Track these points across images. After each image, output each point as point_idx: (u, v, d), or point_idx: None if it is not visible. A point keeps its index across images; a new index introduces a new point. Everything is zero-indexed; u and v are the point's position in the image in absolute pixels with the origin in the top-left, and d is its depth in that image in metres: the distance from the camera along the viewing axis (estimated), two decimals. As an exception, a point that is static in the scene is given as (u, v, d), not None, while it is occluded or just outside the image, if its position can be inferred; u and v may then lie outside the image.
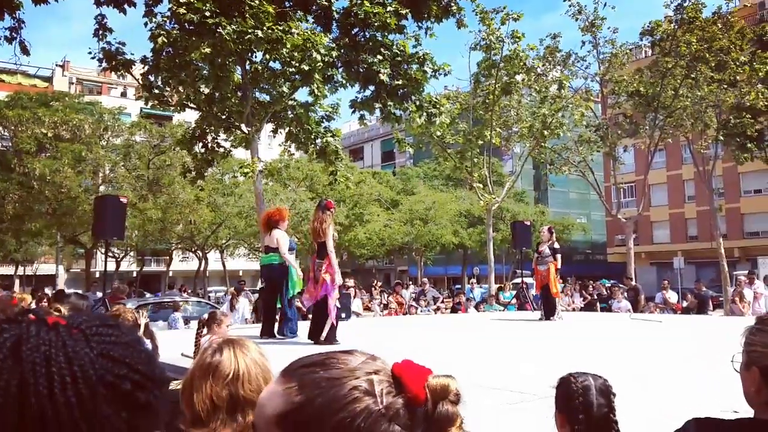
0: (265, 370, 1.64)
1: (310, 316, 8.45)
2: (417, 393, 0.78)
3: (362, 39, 13.69)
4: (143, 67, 13.27)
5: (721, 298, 23.32)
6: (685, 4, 21.87)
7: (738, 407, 3.44)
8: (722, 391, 4.44)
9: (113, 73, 13.89)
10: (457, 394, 0.82)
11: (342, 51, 13.30)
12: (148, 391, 0.72)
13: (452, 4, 14.34)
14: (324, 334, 7.39)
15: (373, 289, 20.33)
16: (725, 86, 22.05)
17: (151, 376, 0.74)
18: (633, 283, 17.56)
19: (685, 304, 17.23)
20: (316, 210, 7.84)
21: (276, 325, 8.33)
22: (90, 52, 12.97)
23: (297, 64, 12.19)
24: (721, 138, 24.59)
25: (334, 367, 0.80)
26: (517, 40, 19.37)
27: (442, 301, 19.38)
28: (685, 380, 5.15)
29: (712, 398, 4.22)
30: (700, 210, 42.87)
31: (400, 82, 13.72)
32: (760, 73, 22.27)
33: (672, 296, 16.60)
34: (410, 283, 22.51)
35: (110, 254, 35.25)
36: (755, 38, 24.81)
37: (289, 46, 11.84)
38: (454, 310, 17.41)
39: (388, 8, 12.99)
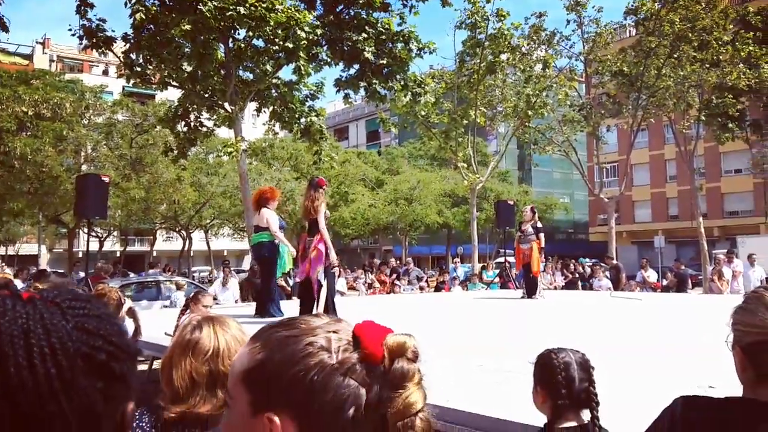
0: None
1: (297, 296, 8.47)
2: (373, 350, 0.81)
3: (347, 17, 13.61)
4: (125, 45, 13.08)
5: (700, 277, 23.69)
6: (669, -16, 21.89)
7: (714, 383, 3.54)
8: (698, 366, 4.55)
9: (94, 50, 13.69)
10: (415, 351, 0.83)
11: (326, 29, 13.21)
12: (122, 362, 0.74)
13: (437, -18, 14.28)
14: (320, 308, 7.43)
15: (365, 268, 20.35)
16: (708, 66, 22.18)
17: (124, 347, 0.75)
18: (614, 261, 17.76)
19: (665, 282, 17.49)
20: (308, 188, 7.82)
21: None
22: (70, 29, 12.77)
23: (281, 42, 12.09)
24: (703, 118, 24.79)
25: (296, 327, 0.84)
26: (502, 18, 19.31)
27: (426, 281, 19.50)
28: (661, 356, 5.26)
29: (689, 374, 4.32)
30: (681, 189, 43.30)
31: (384, 61, 13.67)
32: (743, 53, 22.42)
33: (651, 275, 16.82)
34: (390, 261, 22.53)
35: (93, 234, 34.95)
36: (738, 18, 24.92)
37: (272, 23, 11.73)
38: (437, 288, 17.55)
39: (373, -15, 12.90)
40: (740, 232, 36.21)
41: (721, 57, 22.40)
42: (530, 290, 11.53)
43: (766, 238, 30.73)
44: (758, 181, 36.26)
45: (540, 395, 2.13)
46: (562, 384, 2.07)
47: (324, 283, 7.63)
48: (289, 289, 13.79)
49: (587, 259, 19.38)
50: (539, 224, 11.75)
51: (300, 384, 0.78)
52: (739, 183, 42.30)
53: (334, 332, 0.83)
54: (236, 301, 13.97)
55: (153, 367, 6.61)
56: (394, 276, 18.29)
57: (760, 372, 1.34)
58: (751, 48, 22.79)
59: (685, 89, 22.55)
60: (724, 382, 3.25)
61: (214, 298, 6.34)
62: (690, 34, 21.38)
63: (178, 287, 14.57)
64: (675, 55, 21.63)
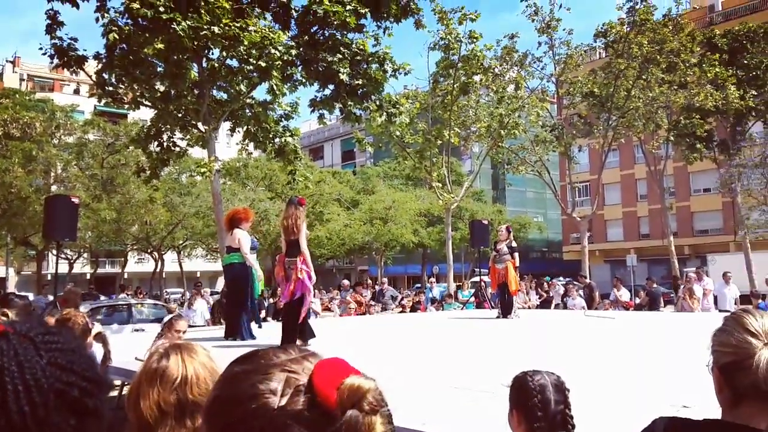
0: (214, 373, 1.61)
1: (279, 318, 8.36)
2: (325, 394, 0.71)
3: (321, 38, 13.64)
4: (97, 64, 12.95)
5: (672, 295, 23.97)
6: (637, 7, 22.40)
7: (688, 402, 3.55)
8: (672, 385, 4.57)
9: (66, 69, 13.53)
10: (374, 400, 0.72)
11: (301, 49, 13.23)
12: (94, 397, 0.73)
13: (411, 4, 14.40)
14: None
15: (341, 288, 20.19)
16: (676, 87, 22.69)
17: (97, 381, 0.74)
18: (587, 280, 17.91)
19: (637, 301, 17.64)
20: (288, 207, 7.67)
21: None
22: (41, 48, 12.61)
23: (254, 62, 12.06)
24: (672, 138, 25.32)
25: (253, 363, 0.77)
26: (474, 40, 19.56)
27: (401, 302, 19.44)
28: (634, 375, 5.28)
29: (662, 393, 4.33)
30: (652, 208, 43.99)
31: (359, 82, 13.71)
32: (709, 75, 22.99)
33: (624, 294, 16.96)
34: (366, 281, 22.42)
35: (62, 256, 34.34)
36: (705, 41, 25.60)
37: (246, 43, 11.71)
38: (413, 309, 17.49)
39: (348, 7, 12.96)
40: (710, 250, 36.83)
41: (688, 79, 22.94)
42: (506, 310, 11.54)
43: (736, 255, 31.29)
44: (726, 200, 36.99)
45: (515, 418, 2.12)
46: (538, 407, 2.06)
47: (306, 304, 7.55)
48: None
49: (561, 278, 19.50)
50: (514, 243, 11.80)
51: (240, 426, 0.72)
52: (708, 202, 43.11)
53: (292, 371, 0.74)
54: (206, 323, 13.76)
55: (123, 392, 6.46)
56: (370, 297, 18.21)
57: (736, 393, 1.34)
58: (717, 70, 23.40)
59: (653, 110, 23.02)
60: (698, 400, 3.28)
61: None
62: (658, 57, 21.88)
63: (169, 310, 14.29)
64: (644, 77, 22.09)
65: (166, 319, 6.09)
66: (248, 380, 0.74)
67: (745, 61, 26.17)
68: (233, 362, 0.80)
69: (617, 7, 23.00)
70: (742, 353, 1.33)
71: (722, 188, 30.41)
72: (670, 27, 22.47)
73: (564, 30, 23.41)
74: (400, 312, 17.45)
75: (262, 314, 13.56)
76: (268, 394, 0.72)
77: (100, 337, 5.38)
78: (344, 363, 0.76)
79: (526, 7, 22.74)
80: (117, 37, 11.43)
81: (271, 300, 15.13)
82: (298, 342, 7.30)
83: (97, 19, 11.87)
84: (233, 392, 0.74)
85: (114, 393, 6.72)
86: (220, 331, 9.27)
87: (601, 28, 23.75)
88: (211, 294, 25.50)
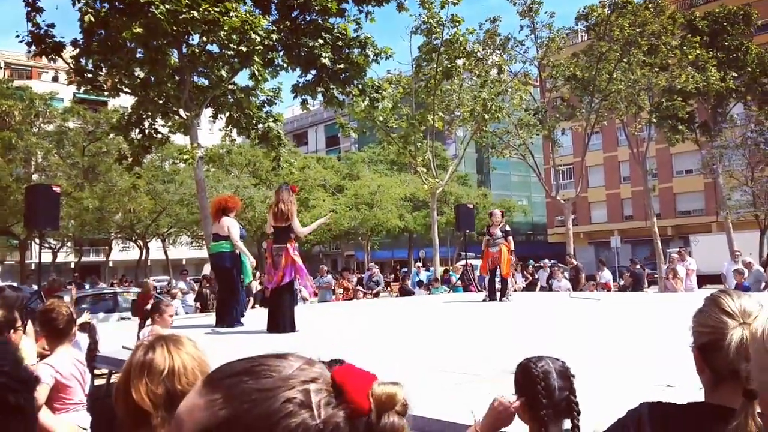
0: (202, 363, 1.61)
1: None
2: (360, 403, 0.68)
3: (302, 22, 13.53)
4: (74, 50, 12.75)
5: (656, 275, 24.27)
6: (618, -11, 22.41)
7: (672, 382, 3.60)
8: (656, 365, 4.63)
9: (44, 57, 13.32)
10: (405, 404, 0.71)
11: (282, 34, 13.11)
12: (17, 394, 0.70)
13: (393, -13, 14.32)
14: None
15: (340, 274, 20.23)
16: (657, 70, 22.78)
17: (19, 378, 0.72)
18: (574, 262, 18.04)
19: (621, 282, 17.81)
20: (279, 193, 7.65)
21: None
22: (18, 36, 12.39)
23: (235, 47, 11.94)
24: (654, 120, 25.46)
25: (265, 375, 0.70)
26: (456, 24, 19.48)
27: (387, 285, 19.51)
28: (620, 356, 5.35)
29: (646, 373, 4.39)
30: (635, 190, 44.35)
31: (342, 66, 13.64)
32: (690, 57, 23.10)
33: (606, 275, 17.12)
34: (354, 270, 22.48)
35: (46, 245, 34.02)
36: (685, 23, 25.69)
37: (226, 28, 11.58)
38: (403, 292, 17.48)
39: (329, -9, 12.86)
40: (693, 231, 37.25)
41: (669, 61, 23.05)
42: (501, 292, 11.61)
43: (718, 236, 31.67)
44: (708, 181, 37.35)
45: (521, 406, 2.11)
46: (542, 394, 2.03)
47: (298, 291, 7.59)
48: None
49: (546, 261, 19.63)
50: (507, 227, 11.87)
51: None
52: (690, 183, 43.52)
53: (311, 381, 0.69)
54: (196, 309, 13.73)
55: (111, 381, 6.44)
56: (356, 282, 18.26)
57: (715, 373, 1.36)
58: (698, 52, 23.51)
59: (635, 92, 23.11)
60: (682, 380, 3.32)
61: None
62: (639, 39, 21.93)
63: (173, 296, 13.96)
64: (625, 60, 22.15)
65: (147, 307, 6.04)
66: (274, 397, 0.67)
67: (726, 43, 26.33)
68: (228, 374, 0.71)
69: (599, -11, 22.99)
70: (717, 333, 1.34)
71: (704, 169, 30.70)
72: (651, 9, 22.51)
73: (546, 13, 23.43)
74: (396, 295, 17.46)
75: (251, 301, 13.56)
76: (302, 410, 0.67)
77: (86, 327, 5.35)
78: (358, 369, 0.73)
79: (508, -11, 22.68)
80: (93, 19, 11.24)
81: (260, 287, 15.11)
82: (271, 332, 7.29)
83: (73, 2, 11.67)
84: (260, 412, 0.67)
85: (102, 381, 6.70)
86: (206, 319, 9.27)
87: (583, 11, 23.73)
88: (196, 282, 25.39)
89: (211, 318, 8.80)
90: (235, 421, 0.66)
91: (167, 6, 11.08)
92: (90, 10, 11.22)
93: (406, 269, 38.57)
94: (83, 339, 5.23)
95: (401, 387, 0.72)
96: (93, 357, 5.00)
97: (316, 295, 15.24)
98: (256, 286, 14.18)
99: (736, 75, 25.67)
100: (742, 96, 27.73)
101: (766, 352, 0.87)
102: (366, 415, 0.68)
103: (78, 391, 3.69)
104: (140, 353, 1.60)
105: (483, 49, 22.26)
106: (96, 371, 5.91)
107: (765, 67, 26.66)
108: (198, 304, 14.23)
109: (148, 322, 5.86)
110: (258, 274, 13.88)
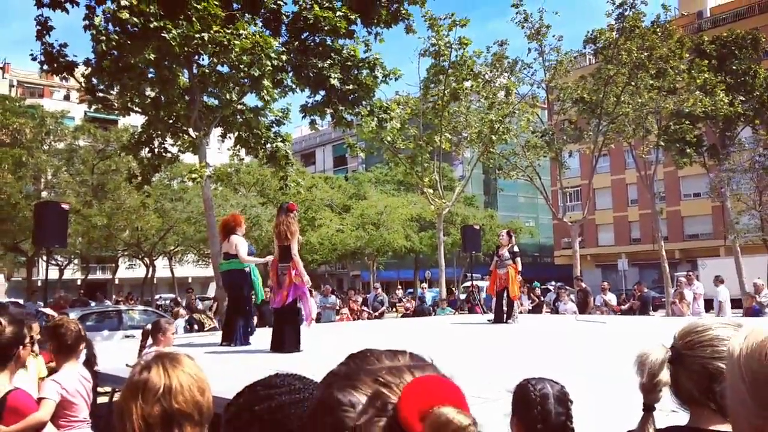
0: (200, 381, 1.61)
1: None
2: (406, 421, 0.61)
3: (312, 43, 13.65)
4: (86, 69, 12.90)
5: (663, 299, 24.10)
6: (626, 14, 22.52)
7: (676, 407, 3.57)
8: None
9: (56, 75, 13.48)
10: None
11: (291, 55, 13.23)
12: None
13: (401, 10, 14.44)
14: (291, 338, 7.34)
15: (346, 294, 20.16)
16: (665, 93, 22.81)
17: None
18: (583, 285, 17.93)
19: (626, 305, 17.67)
20: (279, 213, 7.76)
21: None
22: (32, 54, 12.56)
23: (246, 69, 12.05)
24: (662, 143, 25.42)
25: (356, 363, 0.70)
26: (464, 46, 19.62)
27: (397, 303, 19.39)
28: (624, 380, 5.30)
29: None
30: (642, 213, 44.18)
31: (350, 87, 13.72)
32: (698, 81, 23.13)
33: (611, 298, 17.02)
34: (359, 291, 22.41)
35: (53, 262, 34.15)
36: (693, 47, 25.78)
37: (237, 49, 11.70)
38: (417, 313, 17.32)
39: (338, 13, 12.99)
40: (701, 255, 37.05)
41: (677, 84, 23.08)
42: (508, 314, 11.55)
43: (726, 260, 31.46)
44: (716, 205, 37.21)
45: (516, 426, 2.10)
46: (538, 418, 2.02)
47: (303, 309, 7.59)
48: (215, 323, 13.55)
49: (553, 283, 19.55)
50: (516, 248, 11.83)
51: None
52: (698, 206, 43.35)
53: (385, 384, 0.65)
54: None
55: (114, 399, 6.42)
56: (361, 302, 18.21)
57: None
58: (706, 76, 23.56)
59: (643, 116, 23.11)
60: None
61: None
62: (647, 63, 21.99)
63: (175, 316, 13.73)
64: (633, 83, 22.20)
65: (147, 326, 6.01)
66: (335, 385, 0.67)
67: (734, 67, 26.39)
68: (350, 357, 0.73)
69: (607, 13, 23.10)
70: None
71: (712, 193, 30.58)
72: (659, 33, 22.59)
73: (554, 36, 23.50)
74: (403, 315, 17.35)
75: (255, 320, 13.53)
76: (347, 407, 0.64)
77: (86, 343, 5.32)
78: (447, 385, 0.66)
79: (516, 13, 22.83)
80: (105, 48, 11.37)
81: (272, 306, 15.05)
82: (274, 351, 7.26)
83: (85, 29, 11.81)
84: (319, 396, 0.68)
85: (105, 399, 6.68)
86: (213, 337, 9.26)
87: (591, 34, 23.84)
88: (202, 300, 25.40)
89: (216, 337, 8.80)
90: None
91: (179, 30, 11.20)
92: (102, 38, 11.31)
93: (411, 290, 38.50)
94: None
95: (468, 419, 0.63)
96: (93, 372, 4.98)
97: (317, 320, 15.20)
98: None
99: (744, 99, 25.67)
100: (751, 120, 27.72)
101: (739, 370, 0.89)
102: None
103: (83, 409, 3.70)
104: (137, 373, 1.60)
105: (491, 72, 22.38)
106: (99, 389, 5.90)
107: (773, 91, 26.69)
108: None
109: (150, 341, 5.85)
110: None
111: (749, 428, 0.85)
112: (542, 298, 18.46)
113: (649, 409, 1.28)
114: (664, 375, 1.32)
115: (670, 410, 3.57)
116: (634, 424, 1.67)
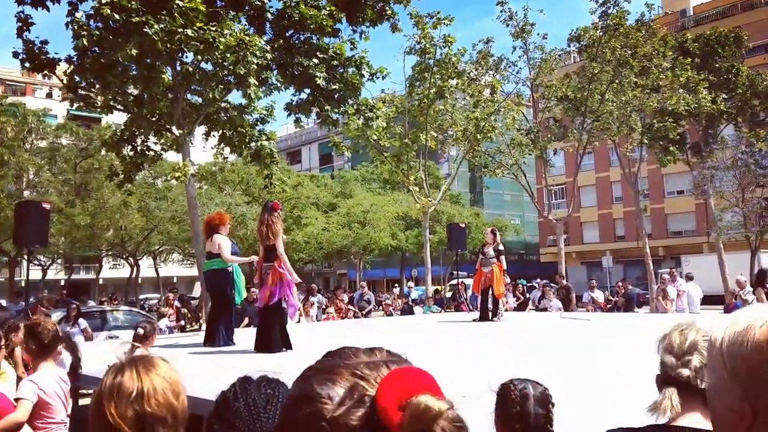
0: (174, 384, 1.58)
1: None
2: (388, 412, 0.62)
3: (297, 41, 13.58)
4: (68, 67, 12.74)
5: (648, 296, 24.30)
6: (610, 12, 22.65)
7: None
8: (646, 389, 4.60)
9: (37, 73, 13.30)
10: (446, 428, 0.62)
11: (276, 53, 13.14)
12: None
13: (387, 9, 14.40)
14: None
15: (333, 293, 20.04)
16: (648, 91, 22.97)
17: None
18: (565, 282, 18.03)
19: (615, 299, 17.81)
20: (263, 212, 7.71)
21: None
22: (14, 50, 12.39)
23: (230, 67, 11.95)
24: (646, 141, 25.62)
25: (333, 358, 0.71)
26: (449, 44, 19.64)
27: (379, 304, 19.41)
28: (608, 378, 5.32)
29: (638, 397, 4.35)
30: (626, 210, 44.52)
31: (336, 86, 13.66)
32: (682, 79, 23.32)
33: (599, 295, 17.13)
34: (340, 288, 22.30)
35: (35, 262, 33.80)
36: (677, 45, 25.98)
37: (221, 47, 11.60)
38: (405, 311, 17.33)
39: (323, 11, 12.92)
40: (684, 252, 37.40)
41: (661, 83, 23.26)
42: (493, 312, 11.56)
43: (709, 257, 31.77)
44: (699, 202, 37.55)
45: (497, 426, 2.11)
46: (516, 418, 2.03)
47: (287, 308, 7.55)
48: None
49: (538, 280, 19.64)
50: (501, 246, 11.84)
51: (288, 428, 0.67)
52: (681, 204, 43.73)
53: (362, 377, 0.66)
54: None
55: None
56: (347, 301, 18.17)
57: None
58: (689, 74, 23.76)
59: (627, 114, 23.26)
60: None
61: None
62: (631, 61, 22.13)
63: (161, 315, 13.70)
64: (617, 81, 22.33)
65: (139, 330, 5.95)
66: (313, 378, 0.68)
67: (717, 65, 26.64)
68: (328, 354, 0.75)
69: (591, 11, 23.24)
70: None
71: (695, 190, 30.87)
72: (643, 32, 22.75)
73: (538, 35, 23.61)
74: (389, 315, 17.37)
75: (246, 321, 13.46)
76: (325, 399, 0.66)
77: (70, 345, 5.27)
78: (423, 375, 0.66)
79: (501, 12, 22.89)
80: (86, 43, 11.22)
81: (257, 306, 14.98)
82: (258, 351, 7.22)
83: (67, 25, 11.66)
84: (297, 388, 0.69)
85: (87, 401, 6.60)
86: (196, 337, 9.19)
87: (575, 32, 23.96)
88: (189, 299, 25.20)
89: (199, 337, 8.73)
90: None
91: (161, 26, 11.09)
92: (84, 33, 11.16)
93: (397, 288, 38.52)
94: (67, 357, 5.15)
95: (445, 404, 0.64)
96: (77, 376, 4.92)
97: (307, 314, 15.16)
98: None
99: (727, 97, 25.93)
100: (733, 117, 28.01)
101: (721, 357, 0.90)
102: (396, 426, 0.62)
103: (60, 410, 3.64)
104: (110, 376, 1.58)
105: (476, 70, 22.42)
106: (82, 390, 5.83)
107: (755, 89, 26.98)
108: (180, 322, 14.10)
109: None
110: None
111: (731, 416, 0.85)
112: (527, 296, 18.53)
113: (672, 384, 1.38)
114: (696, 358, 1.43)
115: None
116: (613, 423, 1.67)
